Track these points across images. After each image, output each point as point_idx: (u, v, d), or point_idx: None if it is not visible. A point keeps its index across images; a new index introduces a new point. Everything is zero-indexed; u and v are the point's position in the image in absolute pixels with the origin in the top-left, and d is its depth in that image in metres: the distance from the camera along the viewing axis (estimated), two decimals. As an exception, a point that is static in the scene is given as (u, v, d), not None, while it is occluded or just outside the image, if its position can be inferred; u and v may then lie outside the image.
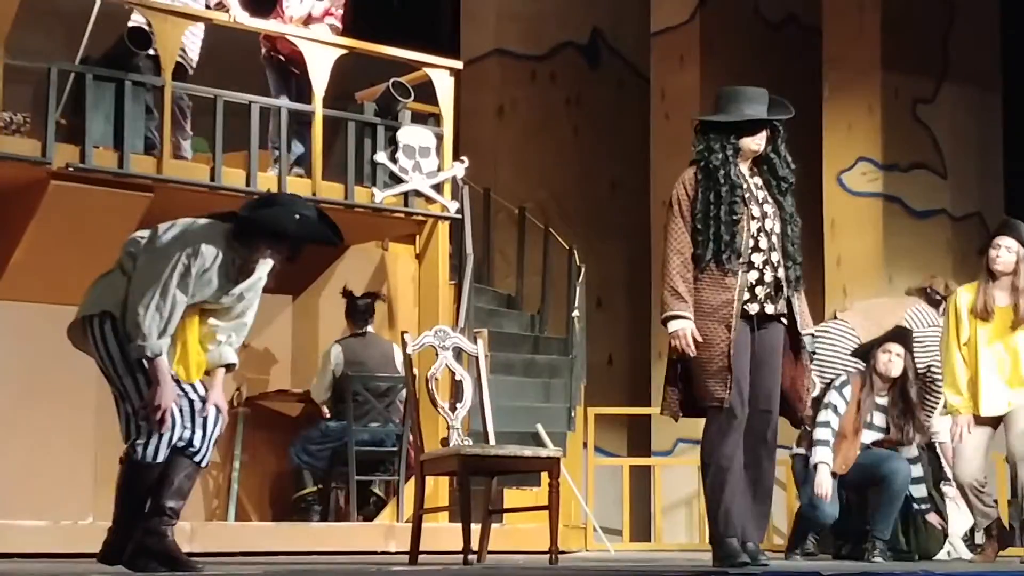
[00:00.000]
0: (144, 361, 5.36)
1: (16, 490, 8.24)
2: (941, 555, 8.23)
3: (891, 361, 7.98)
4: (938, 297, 9.02)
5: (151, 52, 8.77)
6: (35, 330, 8.64)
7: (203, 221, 5.53)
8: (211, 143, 9.01)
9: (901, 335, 8.14)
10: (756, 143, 6.01)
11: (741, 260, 5.88)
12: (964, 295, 7.66)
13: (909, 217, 12.02)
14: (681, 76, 13.05)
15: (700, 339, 5.84)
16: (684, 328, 5.85)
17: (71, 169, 8.41)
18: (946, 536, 8.32)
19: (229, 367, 5.69)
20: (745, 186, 5.97)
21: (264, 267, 5.60)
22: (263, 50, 9.78)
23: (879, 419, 8.08)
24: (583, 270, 11.14)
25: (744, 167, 6.02)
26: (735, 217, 5.88)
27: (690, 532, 12.63)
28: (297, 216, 5.46)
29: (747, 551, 5.89)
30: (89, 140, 8.45)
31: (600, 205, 14.11)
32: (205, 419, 5.51)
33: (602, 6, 14.53)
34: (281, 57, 9.71)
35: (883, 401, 8.06)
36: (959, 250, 12.25)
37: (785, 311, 6.02)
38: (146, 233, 5.56)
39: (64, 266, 8.59)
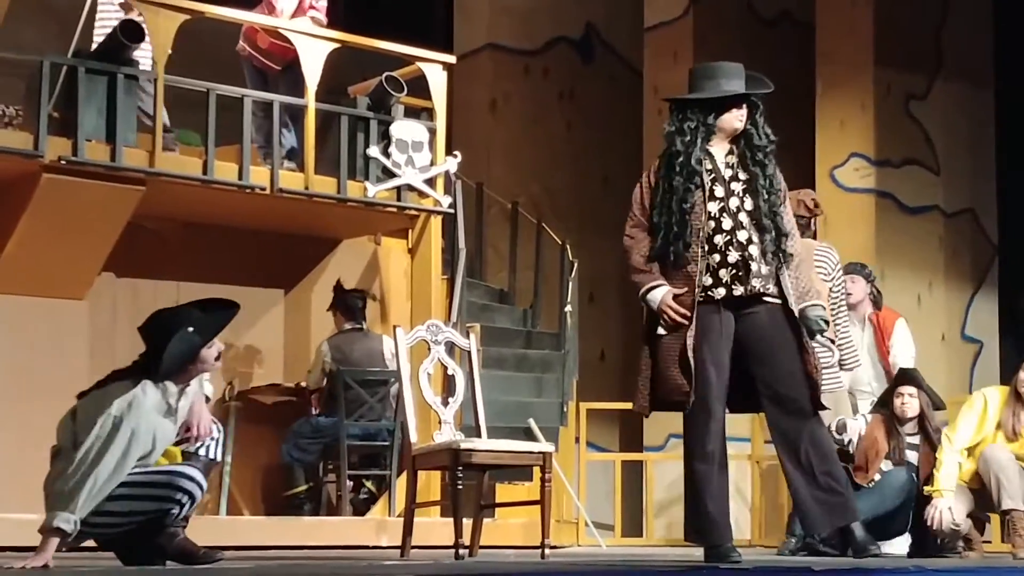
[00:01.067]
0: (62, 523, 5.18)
1: (6, 483, 8.22)
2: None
3: (906, 403, 7.95)
4: (808, 216, 8.40)
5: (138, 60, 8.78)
6: (26, 323, 8.64)
7: (122, 387, 5.39)
8: (204, 136, 9.00)
9: (909, 376, 8.10)
10: (737, 119, 5.84)
11: (697, 249, 5.73)
12: (995, 403, 7.63)
13: (901, 213, 12.01)
14: (674, 72, 13.00)
15: (678, 298, 5.73)
16: (665, 295, 5.76)
17: (63, 162, 8.41)
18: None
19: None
20: (709, 167, 5.81)
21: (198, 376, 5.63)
22: (239, 44, 9.75)
23: (911, 455, 8.05)
24: (576, 265, 11.13)
25: (721, 147, 5.87)
26: (685, 206, 5.74)
27: (682, 528, 12.60)
28: (191, 328, 5.42)
29: (856, 543, 6.04)
30: (81, 133, 8.45)
31: (593, 200, 14.09)
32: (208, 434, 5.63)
33: (595, 1, 14.51)
34: (259, 55, 9.67)
35: (914, 440, 8.04)
36: (951, 246, 12.25)
37: (765, 290, 5.81)
38: (74, 416, 5.45)
39: (56, 259, 8.59)
